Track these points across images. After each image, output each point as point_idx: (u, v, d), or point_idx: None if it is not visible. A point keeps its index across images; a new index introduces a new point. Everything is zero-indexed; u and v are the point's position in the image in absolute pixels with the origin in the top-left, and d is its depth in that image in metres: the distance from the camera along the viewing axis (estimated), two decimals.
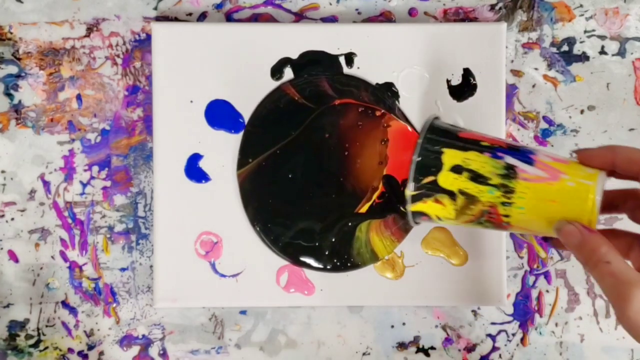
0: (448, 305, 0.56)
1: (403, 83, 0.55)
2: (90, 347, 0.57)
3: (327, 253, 0.56)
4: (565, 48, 0.57)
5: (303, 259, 0.56)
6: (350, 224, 0.56)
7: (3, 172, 0.57)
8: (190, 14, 0.57)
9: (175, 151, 0.55)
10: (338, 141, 0.56)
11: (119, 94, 0.57)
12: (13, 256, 0.57)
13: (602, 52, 0.56)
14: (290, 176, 0.56)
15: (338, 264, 0.56)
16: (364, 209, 0.56)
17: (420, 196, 0.47)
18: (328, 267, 0.56)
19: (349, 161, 0.56)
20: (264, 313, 0.57)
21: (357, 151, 0.56)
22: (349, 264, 0.56)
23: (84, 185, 0.57)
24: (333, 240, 0.56)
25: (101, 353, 0.57)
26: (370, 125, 0.56)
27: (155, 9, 0.57)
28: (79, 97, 0.57)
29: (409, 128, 0.56)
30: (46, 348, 0.57)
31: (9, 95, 0.57)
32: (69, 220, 0.57)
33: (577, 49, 0.57)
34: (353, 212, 0.56)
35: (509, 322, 0.57)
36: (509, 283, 0.56)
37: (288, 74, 0.56)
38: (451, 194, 0.46)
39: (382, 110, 0.56)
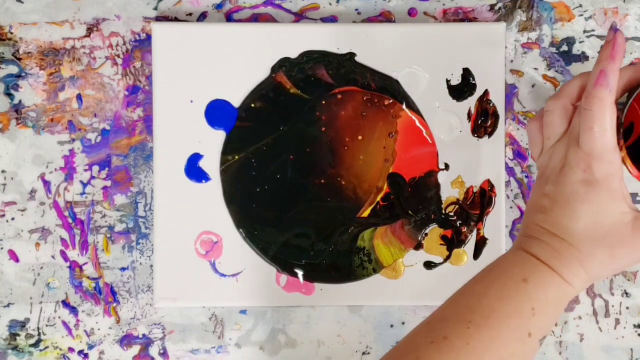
0: None
1: (403, 83, 0.55)
2: (91, 347, 0.57)
3: (324, 263, 0.55)
4: (564, 48, 0.57)
5: (297, 271, 0.55)
6: (350, 230, 0.55)
7: (4, 172, 0.57)
8: (190, 14, 0.57)
9: (175, 151, 0.55)
10: (337, 135, 0.55)
11: (120, 94, 0.57)
12: (13, 256, 0.57)
13: None
14: (278, 177, 0.55)
15: (337, 276, 0.55)
16: (366, 213, 0.56)
17: None
18: (326, 279, 0.55)
19: (349, 158, 0.55)
20: (264, 313, 0.57)
21: (359, 146, 0.55)
22: (352, 276, 0.55)
23: (85, 185, 0.57)
24: (331, 249, 0.55)
25: (102, 353, 0.57)
26: (377, 116, 0.55)
27: (156, 9, 0.57)
28: (79, 97, 0.57)
29: (422, 120, 0.55)
30: (47, 348, 0.57)
31: (9, 95, 0.57)
32: (70, 220, 0.57)
33: (577, 49, 0.57)
34: (354, 217, 0.56)
35: None
36: None
37: None
38: None
39: (392, 100, 0.55)
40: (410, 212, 0.55)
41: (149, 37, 0.57)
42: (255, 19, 0.57)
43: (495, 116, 0.55)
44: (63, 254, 0.57)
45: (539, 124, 0.46)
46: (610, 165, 0.42)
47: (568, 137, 0.44)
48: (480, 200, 0.55)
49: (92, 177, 0.57)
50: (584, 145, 0.42)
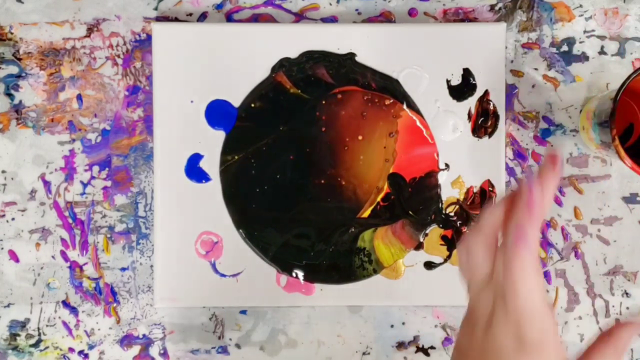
0: (448, 305, 0.56)
1: (403, 83, 0.55)
2: (91, 347, 0.57)
3: (324, 264, 0.55)
4: (564, 48, 0.57)
5: (297, 271, 0.55)
6: (350, 231, 0.55)
7: (4, 172, 0.57)
8: (190, 14, 0.57)
9: (175, 151, 0.55)
10: (337, 135, 0.55)
11: (120, 94, 0.57)
12: (14, 256, 0.57)
13: (602, 52, 0.57)
14: (278, 177, 0.55)
15: (337, 277, 0.55)
16: (366, 213, 0.55)
17: None
18: (326, 280, 0.55)
19: (349, 158, 0.55)
20: (264, 313, 0.57)
21: (359, 146, 0.55)
22: (351, 277, 0.55)
23: (85, 185, 0.57)
24: (331, 250, 0.55)
25: (102, 353, 0.57)
26: (377, 115, 0.55)
27: (156, 9, 0.57)
28: (79, 97, 0.57)
29: (423, 120, 0.55)
30: (47, 348, 0.57)
31: (9, 95, 0.57)
32: (70, 220, 0.57)
33: (577, 49, 0.57)
34: (354, 218, 0.55)
35: None
36: None
37: None
38: None
39: (392, 99, 0.55)
40: (410, 212, 0.55)
41: (149, 37, 0.57)
42: (255, 19, 0.57)
43: (495, 116, 0.55)
44: (63, 254, 0.57)
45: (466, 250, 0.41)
46: (542, 324, 0.38)
47: (494, 283, 0.39)
48: (480, 200, 0.55)
49: (92, 177, 0.57)
50: (510, 304, 0.38)
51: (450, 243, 0.55)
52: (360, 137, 0.55)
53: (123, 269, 0.57)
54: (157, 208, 0.55)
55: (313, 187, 0.55)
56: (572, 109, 0.57)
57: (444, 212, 0.55)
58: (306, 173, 0.55)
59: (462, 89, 0.55)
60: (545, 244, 0.57)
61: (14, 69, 0.57)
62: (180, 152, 0.55)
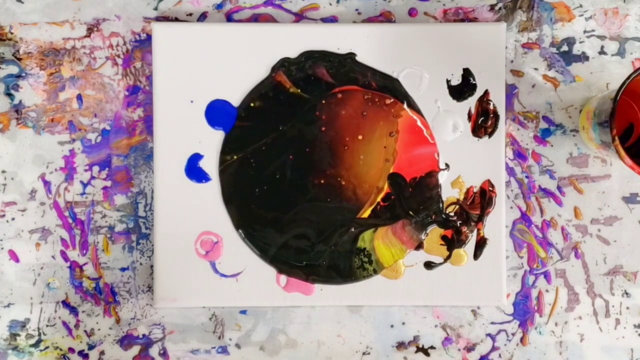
0: (448, 305, 0.56)
1: (403, 83, 0.55)
2: (91, 347, 0.57)
3: (324, 264, 0.55)
4: (564, 48, 0.57)
5: (296, 271, 0.55)
6: (350, 231, 0.55)
7: (4, 172, 0.57)
8: (190, 14, 0.57)
9: (175, 151, 0.55)
10: (336, 135, 0.55)
11: (120, 94, 0.57)
12: (14, 256, 0.57)
13: (602, 52, 0.57)
14: (277, 177, 0.55)
15: (337, 277, 0.55)
16: (366, 213, 0.55)
17: None
18: (326, 280, 0.55)
19: (349, 158, 0.55)
20: (264, 313, 0.57)
21: (359, 146, 0.55)
22: (351, 277, 0.55)
23: (85, 185, 0.57)
24: (331, 250, 0.55)
25: (102, 353, 0.57)
26: (377, 115, 0.55)
27: (156, 9, 0.57)
28: (79, 97, 0.57)
29: (423, 120, 0.55)
30: (47, 348, 0.57)
31: (9, 95, 0.57)
32: (70, 220, 0.57)
33: (577, 49, 0.57)
34: (354, 218, 0.55)
35: (508, 322, 0.57)
36: (509, 283, 0.56)
37: None
38: None
39: (392, 99, 0.55)
40: (410, 212, 0.55)
41: (149, 37, 0.57)
42: (255, 19, 0.57)
43: (495, 116, 0.55)
44: (63, 254, 0.57)
45: None
46: None
47: None
48: (480, 200, 0.55)
49: (92, 177, 0.57)
50: None
51: (450, 243, 0.55)
52: (360, 137, 0.55)
53: (123, 269, 0.57)
54: (157, 208, 0.55)
55: (313, 187, 0.55)
56: (572, 109, 0.57)
57: (444, 212, 0.55)
58: (306, 173, 0.55)
59: (462, 89, 0.55)
60: (545, 244, 0.57)
61: (14, 69, 0.57)
62: (180, 152, 0.55)
